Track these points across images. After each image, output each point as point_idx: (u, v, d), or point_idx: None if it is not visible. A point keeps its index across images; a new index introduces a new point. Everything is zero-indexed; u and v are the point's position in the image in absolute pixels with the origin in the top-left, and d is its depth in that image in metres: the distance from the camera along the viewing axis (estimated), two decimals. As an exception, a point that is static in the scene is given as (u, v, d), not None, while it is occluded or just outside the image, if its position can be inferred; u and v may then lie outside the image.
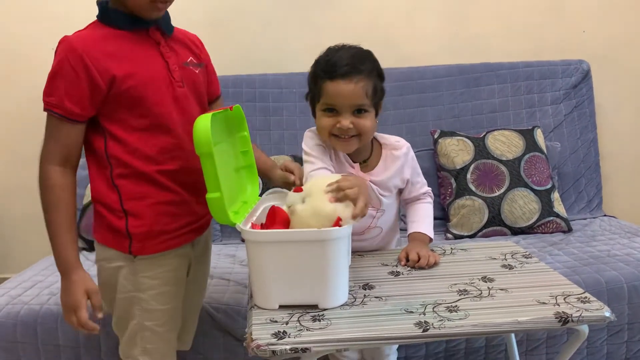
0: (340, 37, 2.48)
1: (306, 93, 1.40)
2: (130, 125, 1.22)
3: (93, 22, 1.26)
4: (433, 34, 2.56)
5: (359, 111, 1.30)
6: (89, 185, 1.28)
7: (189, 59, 1.33)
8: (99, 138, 1.23)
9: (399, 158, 1.39)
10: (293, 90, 2.44)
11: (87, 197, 2.18)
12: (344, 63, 1.28)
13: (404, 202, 1.47)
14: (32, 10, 2.45)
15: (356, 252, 1.41)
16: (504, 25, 2.56)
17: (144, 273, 1.26)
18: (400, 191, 1.45)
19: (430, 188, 1.47)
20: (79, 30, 1.23)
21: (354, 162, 1.38)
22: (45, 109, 1.20)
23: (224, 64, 2.46)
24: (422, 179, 1.45)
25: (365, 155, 1.39)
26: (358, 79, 1.27)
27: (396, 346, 1.60)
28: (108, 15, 1.24)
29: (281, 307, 1.13)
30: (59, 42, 1.20)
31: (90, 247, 2.15)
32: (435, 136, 2.31)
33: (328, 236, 1.09)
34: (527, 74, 2.46)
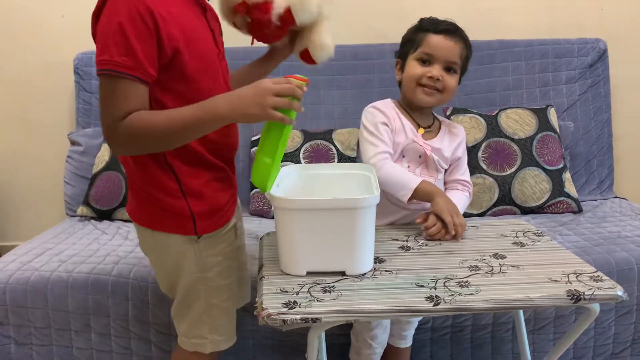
0: (353, 11, 2.47)
1: (396, 51, 1.53)
2: (185, 99, 1.13)
3: None
4: (447, 9, 2.49)
5: (449, 69, 1.42)
6: (125, 167, 1.22)
7: (219, 31, 1.30)
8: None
9: (458, 136, 1.49)
10: (303, 64, 2.41)
11: (96, 167, 2.18)
12: (449, 24, 1.44)
13: (445, 184, 1.49)
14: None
15: (404, 218, 1.44)
16: (520, 2, 2.51)
17: (208, 252, 1.24)
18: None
19: (471, 184, 1.51)
20: None
21: (420, 126, 1.46)
22: (115, 71, 1.04)
23: (234, 36, 2.45)
24: (466, 167, 1.51)
25: (429, 121, 1.48)
26: (458, 39, 1.42)
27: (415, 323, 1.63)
28: None
29: (290, 276, 1.14)
30: None
31: (100, 216, 2.16)
32: (448, 113, 2.28)
33: (358, 204, 1.09)
34: (542, 52, 2.42)
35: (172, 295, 1.31)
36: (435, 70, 1.40)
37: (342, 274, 1.14)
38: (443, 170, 1.48)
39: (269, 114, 1.08)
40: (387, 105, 1.46)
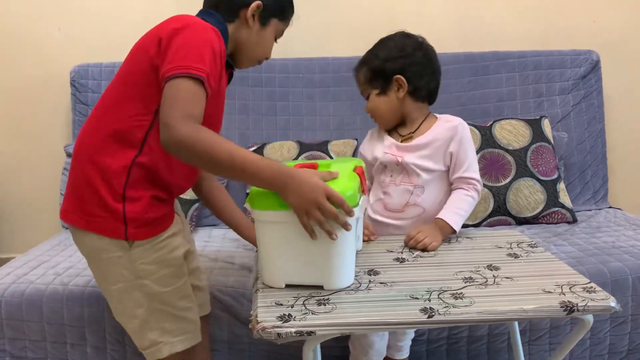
0: (347, 24, 2.50)
1: None
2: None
3: (211, 24, 1.22)
4: (441, 20, 2.54)
5: (366, 97, 1.51)
6: (77, 159, 1.24)
7: None
8: (144, 121, 1.19)
9: (448, 129, 1.45)
10: (300, 75, 2.43)
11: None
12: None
13: (450, 184, 1.47)
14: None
15: (390, 234, 1.46)
16: (513, 12, 2.54)
17: (142, 259, 1.23)
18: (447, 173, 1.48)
19: (479, 178, 1.45)
20: (206, 24, 1.21)
21: (401, 136, 1.50)
22: (193, 74, 1.11)
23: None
24: (472, 164, 1.45)
25: (412, 128, 1.49)
26: (359, 69, 1.51)
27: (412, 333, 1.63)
28: (225, 35, 1.26)
29: (287, 286, 1.14)
30: (206, 27, 1.18)
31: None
32: (442, 124, 2.29)
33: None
34: (536, 63, 2.45)
35: (108, 299, 1.31)
36: (366, 108, 1.52)
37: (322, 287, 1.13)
38: (426, 169, 1.44)
39: (304, 221, 1.09)
40: (365, 140, 1.58)
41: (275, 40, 1.40)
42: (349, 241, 1.13)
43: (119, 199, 1.20)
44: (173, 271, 1.29)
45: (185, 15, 1.22)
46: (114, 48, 2.43)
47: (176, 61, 1.13)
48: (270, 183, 1.11)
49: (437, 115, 1.53)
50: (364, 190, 1.20)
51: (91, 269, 1.32)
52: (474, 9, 2.52)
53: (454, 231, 1.40)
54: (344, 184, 1.12)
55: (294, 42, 2.51)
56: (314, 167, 1.20)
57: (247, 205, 1.15)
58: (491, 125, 2.27)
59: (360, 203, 1.16)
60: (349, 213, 1.09)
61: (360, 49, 2.48)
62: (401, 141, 1.47)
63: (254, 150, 2.28)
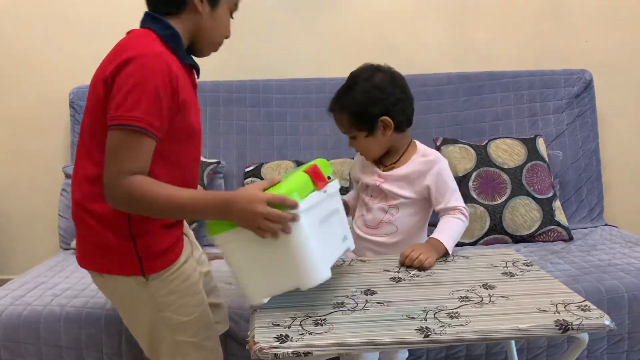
0: (343, 44, 2.53)
1: None
2: (163, 157, 1.19)
3: (152, 37, 1.19)
4: (436, 41, 2.57)
5: (351, 137, 1.51)
6: (75, 209, 1.23)
7: None
8: None
9: (423, 163, 1.50)
10: (297, 96, 2.46)
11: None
12: (332, 99, 1.51)
13: (437, 213, 1.52)
14: (35, 11, 2.46)
15: (371, 250, 1.51)
16: (506, 33, 2.57)
17: (160, 292, 1.24)
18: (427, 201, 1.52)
19: (464, 207, 1.49)
20: (150, 44, 1.16)
21: (383, 165, 1.54)
22: (142, 128, 1.11)
23: (228, 70, 2.50)
24: (453, 194, 1.50)
25: (394, 159, 1.53)
26: (337, 113, 1.49)
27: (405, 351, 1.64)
28: (176, 40, 1.22)
29: (283, 307, 1.15)
30: (146, 56, 1.12)
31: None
32: (438, 144, 2.32)
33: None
34: (530, 82, 2.48)
35: (138, 339, 1.32)
36: (350, 143, 1.53)
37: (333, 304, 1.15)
38: (402, 197, 1.49)
39: (260, 234, 1.11)
40: (355, 159, 1.63)
41: (231, 15, 1.34)
42: (307, 234, 1.13)
43: (128, 239, 1.21)
44: (190, 300, 1.29)
45: (131, 42, 1.18)
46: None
47: (115, 109, 1.11)
48: (211, 213, 1.15)
49: (417, 144, 1.55)
50: (317, 186, 1.20)
51: (119, 311, 1.33)
52: (468, 30, 2.56)
53: (447, 252, 1.42)
54: (284, 185, 1.15)
55: (291, 64, 2.55)
56: (274, 181, 1.21)
57: (208, 236, 1.17)
58: (486, 144, 2.29)
59: (312, 198, 1.16)
60: (293, 206, 1.10)
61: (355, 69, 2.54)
62: (383, 170, 1.53)
63: (251, 170, 2.30)
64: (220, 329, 1.45)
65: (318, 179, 1.21)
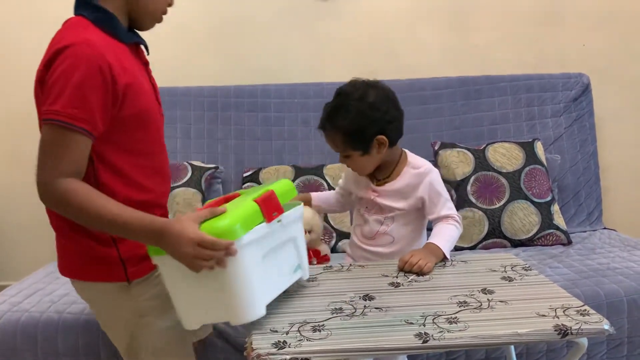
0: (341, 49, 2.53)
1: None
2: (126, 150, 1.16)
3: (84, 23, 1.13)
4: (434, 45, 2.58)
5: (344, 156, 1.47)
6: (52, 219, 1.20)
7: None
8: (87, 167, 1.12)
9: (415, 176, 1.49)
10: (295, 101, 2.46)
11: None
12: (323, 116, 1.46)
13: (432, 222, 1.52)
14: (31, 12, 2.46)
15: (369, 259, 1.50)
16: (504, 37, 2.58)
17: (143, 296, 1.22)
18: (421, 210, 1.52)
19: (457, 214, 1.50)
20: (80, 32, 1.10)
21: (376, 179, 1.53)
22: (65, 122, 1.05)
23: (226, 74, 2.50)
24: (446, 203, 1.50)
25: (387, 173, 1.52)
26: (329, 131, 1.45)
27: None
28: (110, 21, 1.15)
29: (283, 312, 1.14)
30: (75, 44, 1.06)
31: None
32: (436, 148, 2.32)
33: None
34: (528, 86, 2.48)
35: (117, 345, 1.28)
36: (342, 160, 1.49)
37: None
38: (397, 209, 1.49)
39: (192, 269, 1.06)
40: (348, 170, 1.58)
41: None
42: (243, 270, 1.07)
43: (109, 244, 1.18)
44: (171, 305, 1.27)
45: (61, 33, 1.13)
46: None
47: (43, 104, 1.06)
48: (143, 238, 1.09)
49: (408, 155, 1.53)
50: (267, 217, 1.12)
51: (97, 316, 1.30)
52: (466, 34, 2.57)
53: (445, 256, 1.42)
54: (227, 216, 1.08)
55: (289, 68, 2.55)
56: (235, 196, 1.19)
57: (150, 255, 1.12)
58: (484, 148, 2.29)
59: (259, 230, 1.10)
60: (228, 250, 1.03)
61: (354, 74, 2.53)
62: (377, 185, 1.52)
63: (249, 175, 2.29)
64: (201, 334, 1.42)
65: (270, 209, 1.13)
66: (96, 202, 1.08)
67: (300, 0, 2.50)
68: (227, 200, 1.18)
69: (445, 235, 1.45)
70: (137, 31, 1.25)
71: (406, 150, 1.55)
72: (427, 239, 1.46)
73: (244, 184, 2.30)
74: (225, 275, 1.06)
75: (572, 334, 1.06)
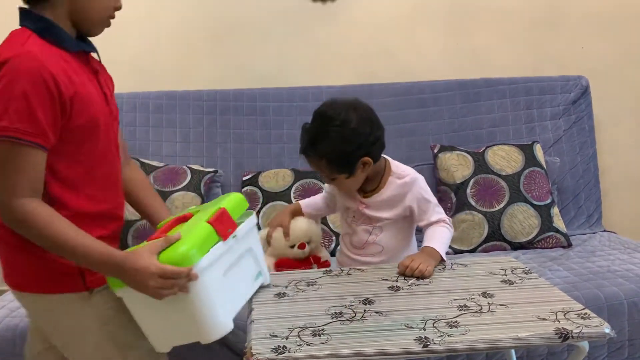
0: (340, 52, 2.53)
1: None
2: (77, 160, 1.13)
3: (26, 34, 1.10)
4: (433, 48, 2.58)
5: (329, 178, 1.46)
6: (2, 230, 1.13)
7: (113, 90, 1.28)
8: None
9: (401, 186, 1.49)
10: (294, 104, 2.45)
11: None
12: (305, 141, 1.43)
13: (422, 229, 1.52)
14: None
15: (358, 268, 1.47)
16: (503, 40, 2.58)
17: (106, 304, 1.18)
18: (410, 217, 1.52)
19: (445, 217, 1.50)
20: (21, 44, 1.07)
21: (363, 191, 1.51)
22: (15, 138, 1.03)
23: (225, 78, 2.50)
24: (435, 209, 1.50)
25: (373, 187, 1.51)
26: (312, 158, 1.43)
27: None
28: (52, 30, 1.12)
29: (282, 316, 1.15)
30: (15, 57, 1.03)
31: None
32: (435, 151, 2.31)
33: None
34: (527, 89, 2.48)
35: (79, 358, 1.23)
36: (327, 181, 1.50)
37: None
38: (385, 219, 1.50)
39: (156, 298, 1.07)
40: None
41: None
42: (207, 292, 1.10)
43: None
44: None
45: (2, 45, 1.10)
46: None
47: None
48: (103, 271, 1.10)
49: (391, 164, 1.52)
50: (223, 236, 1.14)
51: (52, 337, 1.23)
52: (465, 37, 2.57)
53: (442, 258, 1.42)
54: (183, 243, 1.09)
55: (288, 72, 2.55)
56: (187, 217, 1.20)
57: (110, 287, 1.13)
58: (484, 151, 2.29)
59: (216, 250, 1.12)
60: (189, 276, 1.06)
61: (353, 77, 2.55)
62: (364, 197, 1.51)
63: (249, 179, 2.29)
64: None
65: (225, 227, 1.15)
66: (57, 229, 1.06)
67: (299, 4, 2.50)
68: (180, 221, 1.20)
69: (440, 238, 1.45)
70: (89, 38, 1.23)
71: (388, 158, 1.53)
72: (423, 243, 1.45)
73: (243, 187, 2.29)
74: (190, 299, 1.09)
75: (572, 337, 1.06)
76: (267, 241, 1.58)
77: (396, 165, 1.52)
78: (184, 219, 1.21)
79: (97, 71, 1.22)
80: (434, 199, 1.51)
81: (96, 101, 1.17)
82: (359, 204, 1.51)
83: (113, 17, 1.22)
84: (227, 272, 1.16)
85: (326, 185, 1.63)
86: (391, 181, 1.50)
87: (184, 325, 1.12)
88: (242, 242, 1.22)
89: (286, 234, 1.57)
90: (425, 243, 1.44)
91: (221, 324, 1.13)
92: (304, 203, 1.66)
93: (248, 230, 1.25)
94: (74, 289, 1.16)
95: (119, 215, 1.28)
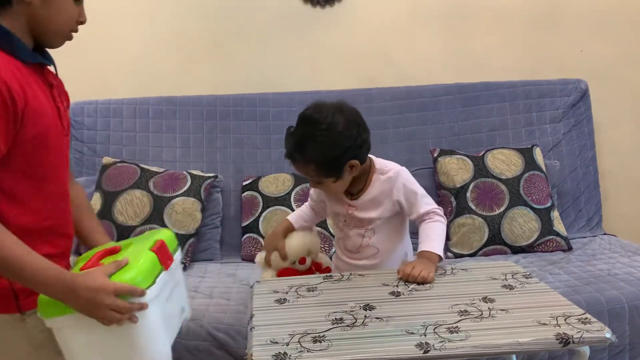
0: (339, 57, 2.54)
1: None
2: (25, 174, 1.10)
3: None
4: (432, 52, 2.58)
5: (315, 182, 1.46)
6: None
7: (67, 105, 1.25)
8: None
9: (385, 182, 1.48)
10: (293, 109, 2.45)
11: None
12: (291, 146, 1.41)
13: (414, 222, 1.51)
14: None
15: (357, 272, 1.46)
16: (502, 44, 2.58)
17: (38, 327, 1.12)
18: (400, 213, 1.51)
19: (437, 207, 1.49)
20: None
21: (350, 194, 1.51)
22: None
23: (224, 83, 2.51)
24: (423, 199, 1.48)
25: (359, 188, 1.50)
26: (299, 164, 1.42)
27: None
28: (7, 39, 1.09)
29: (282, 323, 1.14)
30: None
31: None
32: (435, 155, 2.32)
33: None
34: (526, 92, 2.48)
35: None
36: (313, 185, 1.49)
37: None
38: (376, 219, 1.49)
39: (104, 323, 1.05)
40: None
41: None
42: (154, 321, 1.10)
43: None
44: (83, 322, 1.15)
45: None
46: (109, 86, 2.47)
47: None
48: (50, 292, 1.04)
49: (375, 162, 1.51)
50: (165, 265, 1.16)
51: None
52: (464, 41, 2.57)
53: (440, 257, 1.42)
54: (132, 269, 1.09)
55: (288, 77, 2.55)
56: (116, 250, 1.19)
57: (40, 316, 1.08)
58: (484, 154, 2.29)
59: (160, 280, 1.13)
60: (141, 295, 1.06)
61: (352, 82, 2.55)
62: (351, 199, 1.50)
63: (249, 184, 2.29)
64: None
65: (165, 257, 1.16)
66: (8, 248, 1.02)
67: (298, 9, 2.51)
68: (109, 253, 1.17)
69: (435, 236, 1.44)
70: (47, 50, 1.20)
71: (373, 157, 1.52)
72: (419, 246, 1.44)
73: (243, 192, 2.30)
74: (137, 329, 1.07)
75: (573, 342, 1.05)
76: (267, 263, 1.56)
77: (379, 162, 1.51)
78: (114, 251, 1.19)
79: (52, 84, 1.19)
80: (420, 190, 1.49)
81: (48, 114, 1.14)
82: (347, 207, 1.50)
83: (76, 31, 1.20)
84: (166, 302, 1.16)
85: (312, 192, 1.61)
86: (376, 179, 1.49)
87: (126, 355, 1.10)
88: (174, 274, 1.22)
89: (284, 256, 1.54)
90: (421, 245, 1.43)
91: (163, 354, 1.13)
92: (294, 218, 1.63)
93: (177, 263, 1.25)
94: (5, 310, 1.11)
95: (68, 233, 1.24)
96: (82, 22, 1.20)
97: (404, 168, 1.50)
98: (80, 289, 1.03)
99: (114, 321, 1.04)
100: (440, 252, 1.42)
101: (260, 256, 1.59)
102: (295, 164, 1.43)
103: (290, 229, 1.60)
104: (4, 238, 1.02)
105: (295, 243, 1.55)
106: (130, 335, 1.08)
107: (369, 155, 1.50)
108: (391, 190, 1.47)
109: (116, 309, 1.03)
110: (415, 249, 1.51)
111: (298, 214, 1.64)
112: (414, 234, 1.52)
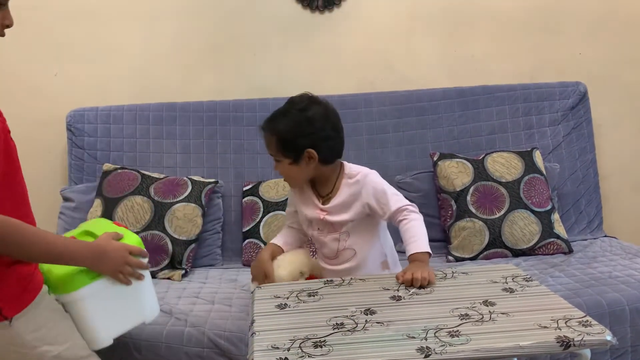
0: (339, 61, 2.55)
1: None
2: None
3: None
4: (431, 57, 2.59)
5: (276, 159, 1.52)
6: None
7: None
8: None
9: (353, 185, 1.52)
10: (293, 114, 2.46)
11: None
12: (267, 118, 1.54)
13: (392, 222, 1.53)
14: (31, 35, 2.46)
15: (340, 276, 1.46)
16: (501, 47, 2.59)
17: (27, 330, 1.15)
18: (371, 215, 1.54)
19: (410, 203, 1.50)
20: None
21: (320, 196, 1.57)
22: None
23: (224, 89, 2.51)
24: (393, 197, 1.50)
25: (329, 189, 1.55)
26: (267, 133, 1.51)
27: None
28: None
29: (283, 329, 1.15)
30: None
31: None
32: (435, 158, 2.32)
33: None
34: (525, 96, 2.49)
35: None
36: (274, 166, 1.54)
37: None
38: (348, 221, 1.52)
39: (119, 279, 1.28)
40: (293, 193, 1.63)
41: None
42: (149, 276, 1.42)
43: None
44: (65, 324, 1.24)
45: None
46: (110, 92, 2.47)
47: None
48: (88, 258, 1.21)
49: (345, 167, 1.55)
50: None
51: None
52: (463, 44, 2.58)
53: (430, 254, 1.43)
54: (131, 238, 1.36)
55: (287, 82, 2.55)
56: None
57: (54, 296, 1.24)
58: (483, 158, 2.29)
59: None
60: (145, 256, 1.34)
61: (351, 87, 2.56)
62: (322, 203, 1.54)
63: (249, 189, 2.30)
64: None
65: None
66: (31, 233, 1.13)
67: (297, 14, 2.52)
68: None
69: (417, 235, 1.45)
70: None
71: (344, 162, 1.57)
72: (407, 250, 1.45)
73: (243, 197, 2.30)
74: (140, 284, 1.37)
75: (574, 345, 1.06)
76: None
77: (348, 167, 1.56)
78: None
79: None
80: (390, 189, 1.52)
81: None
82: (319, 212, 1.53)
83: (3, 35, 1.21)
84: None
85: (286, 211, 1.68)
86: (344, 183, 1.53)
87: (130, 309, 1.37)
88: None
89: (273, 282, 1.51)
90: (408, 248, 1.44)
91: (155, 304, 1.48)
92: (281, 241, 1.63)
93: None
94: None
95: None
96: (9, 26, 1.22)
97: (373, 171, 1.54)
98: (109, 250, 1.22)
99: (128, 275, 1.27)
100: (428, 249, 1.44)
101: (252, 287, 1.54)
102: (264, 134, 1.51)
103: (277, 252, 1.59)
104: (26, 228, 1.11)
105: (284, 272, 1.52)
106: (137, 292, 1.36)
107: (341, 161, 1.55)
108: (360, 192, 1.51)
109: (132, 264, 1.27)
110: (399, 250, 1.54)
111: (284, 237, 1.66)
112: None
